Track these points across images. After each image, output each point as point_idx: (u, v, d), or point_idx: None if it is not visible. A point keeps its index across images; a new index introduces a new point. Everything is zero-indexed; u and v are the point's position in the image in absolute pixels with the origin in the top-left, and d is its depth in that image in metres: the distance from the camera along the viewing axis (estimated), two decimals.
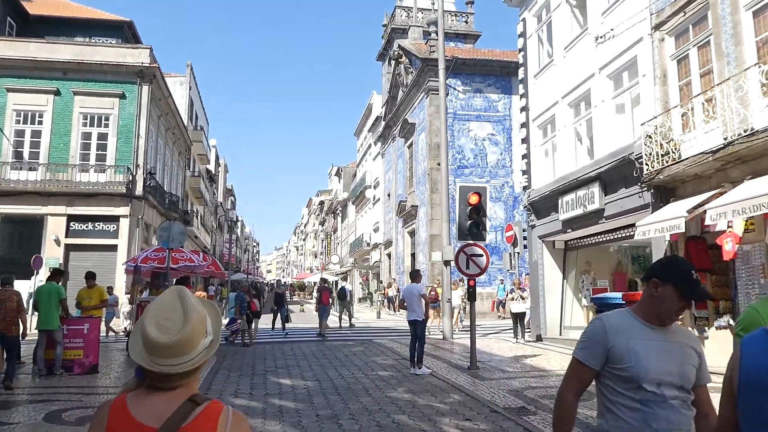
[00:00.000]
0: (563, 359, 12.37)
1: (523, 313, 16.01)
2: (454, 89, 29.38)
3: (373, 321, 27.46)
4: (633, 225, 12.88)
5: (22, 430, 6.77)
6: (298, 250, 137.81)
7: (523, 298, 15.94)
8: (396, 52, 33.83)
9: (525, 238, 18.77)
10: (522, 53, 18.07)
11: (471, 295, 11.02)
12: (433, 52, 29.03)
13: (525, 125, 17.80)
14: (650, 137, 11.14)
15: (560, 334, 16.45)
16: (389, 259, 39.30)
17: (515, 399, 8.25)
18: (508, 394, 8.62)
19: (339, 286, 27.89)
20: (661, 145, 10.81)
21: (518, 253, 18.33)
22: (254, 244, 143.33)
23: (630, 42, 12.64)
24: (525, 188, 17.73)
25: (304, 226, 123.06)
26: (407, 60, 33.08)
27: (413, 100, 32.48)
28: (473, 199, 10.96)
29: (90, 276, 11.50)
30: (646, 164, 11.18)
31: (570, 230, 15.16)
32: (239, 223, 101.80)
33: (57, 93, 25.50)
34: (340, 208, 65.53)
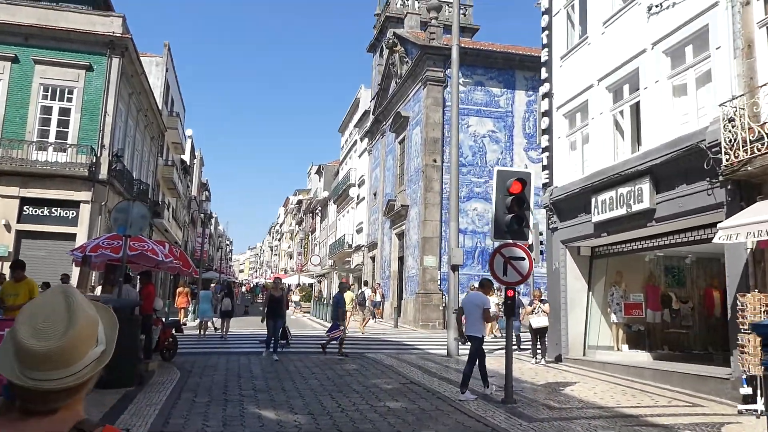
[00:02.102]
0: (609, 389, 10.17)
1: (545, 329, 13.76)
2: None
3: (358, 329, 25.01)
4: (696, 228, 10.80)
5: None
6: (272, 250, 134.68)
7: (545, 312, 13.70)
8: (390, 40, 31.56)
9: (542, 243, 16.59)
10: (546, 33, 15.89)
11: (508, 309, 8.71)
12: (433, 39, 26.91)
13: (547, 114, 15.62)
14: (732, 121, 8.98)
15: (584, 355, 14.26)
16: (373, 262, 36.93)
17: None
18: None
19: (359, 290, 25.04)
20: (750, 128, 8.64)
21: (534, 259, 16.05)
22: (227, 242, 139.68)
23: (698, 9, 10.49)
24: (545, 186, 15.52)
25: (280, 226, 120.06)
26: (403, 49, 30.81)
27: (408, 91, 30.20)
28: (515, 187, 8.68)
29: (17, 266, 8.97)
30: (726, 154, 9.01)
31: (605, 234, 12.97)
32: (213, 220, 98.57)
33: (15, 60, 22.75)
34: (320, 208, 62.99)
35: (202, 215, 37.98)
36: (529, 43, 31.62)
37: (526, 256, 8.71)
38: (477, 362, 9.09)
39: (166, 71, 37.66)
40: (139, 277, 12.04)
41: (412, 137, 29.40)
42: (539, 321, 13.65)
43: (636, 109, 12.43)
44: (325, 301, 39.40)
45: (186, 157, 53.15)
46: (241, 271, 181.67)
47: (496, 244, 9.07)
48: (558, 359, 14.20)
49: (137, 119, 29.34)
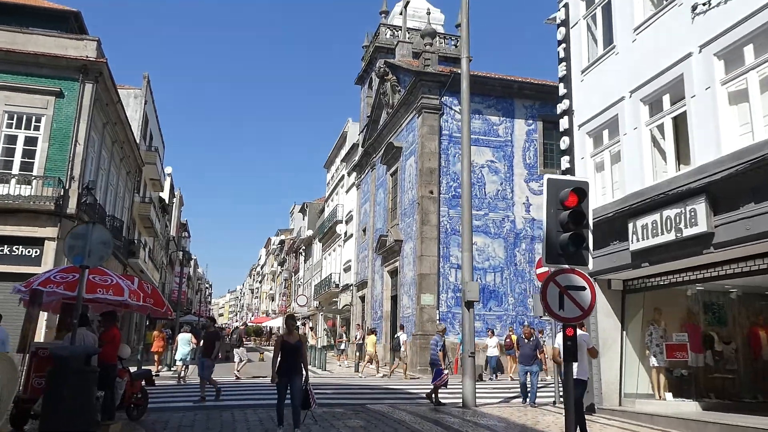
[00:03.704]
0: None
1: None
2: (450, 108, 25.82)
3: (350, 376, 22.91)
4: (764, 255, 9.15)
5: None
6: (253, 293, 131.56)
7: None
8: (382, 69, 30.28)
9: None
10: (563, 46, 14.51)
11: (568, 352, 6.90)
12: (428, 66, 25.65)
13: (567, 133, 14.12)
14: None
15: (620, 404, 12.42)
16: (362, 302, 34.88)
17: None
18: None
19: (396, 335, 23.52)
20: None
21: None
22: (207, 285, 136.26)
23: (759, 3, 9.08)
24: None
25: (261, 267, 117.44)
26: (395, 77, 29.53)
27: (400, 121, 28.78)
28: (571, 199, 6.99)
29: None
30: None
31: (646, 264, 11.29)
32: (192, 262, 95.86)
33: None
34: (304, 247, 60.96)
35: (181, 253, 35.71)
36: (524, 73, 30.72)
37: (587, 285, 6.96)
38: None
39: (145, 104, 35.95)
40: (100, 319, 10.05)
41: (406, 168, 27.84)
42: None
43: (681, 120, 10.94)
44: (309, 345, 37.12)
45: (165, 195, 51.13)
46: (221, 314, 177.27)
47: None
48: (590, 409, 12.30)
49: (112, 151, 27.47)
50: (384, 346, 28.72)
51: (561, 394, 13.58)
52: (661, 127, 11.43)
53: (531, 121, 26.35)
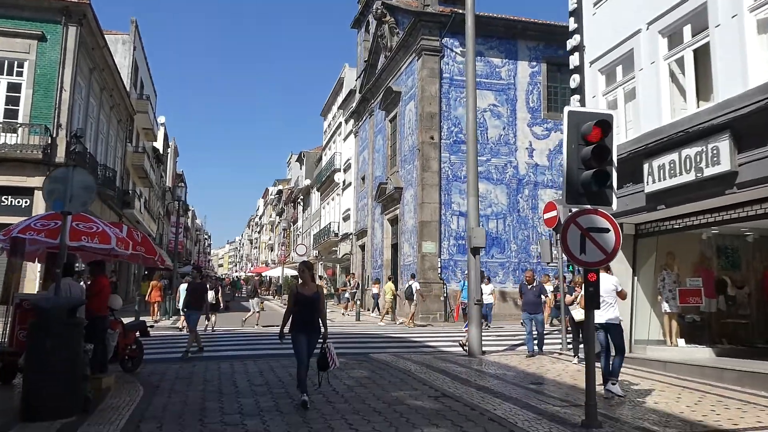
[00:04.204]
0: (685, 396, 7.99)
1: None
2: (451, 50, 24.84)
3: (352, 325, 22.70)
4: None
5: None
6: (252, 243, 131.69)
7: None
8: (379, 11, 29.06)
9: None
10: None
11: (590, 299, 6.42)
12: (428, 6, 24.54)
13: (578, 71, 13.28)
14: None
15: (630, 351, 12.00)
16: (362, 251, 34.56)
17: None
18: None
19: (406, 285, 22.87)
20: None
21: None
22: (206, 236, 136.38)
23: None
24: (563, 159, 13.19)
25: (260, 218, 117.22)
26: (393, 19, 28.37)
27: (399, 64, 27.77)
28: (595, 133, 6.37)
29: None
30: None
31: (662, 206, 10.73)
32: (190, 213, 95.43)
33: None
34: (302, 197, 60.43)
35: (177, 202, 35.13)
36: (527, 14, 29.39)
37: (611, 227, 6.42)
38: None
39: (134, 50, 34.77)
40: (89, 268, 9.54)
41: (405, 114, 27.01)
42: (582, 313, 11.37)
43: (703, 53, 10.21)
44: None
45: (159, 145, 50.19)
46: (221, 265, 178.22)
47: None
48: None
49: (101, 99, 26.57)
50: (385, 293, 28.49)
51: (570, 341, 13.30)
52: (680, 61, 10.69)
53: (535, 63, 25.41)
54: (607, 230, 6.43)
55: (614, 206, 6.60)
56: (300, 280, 7.80)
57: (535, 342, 12.97)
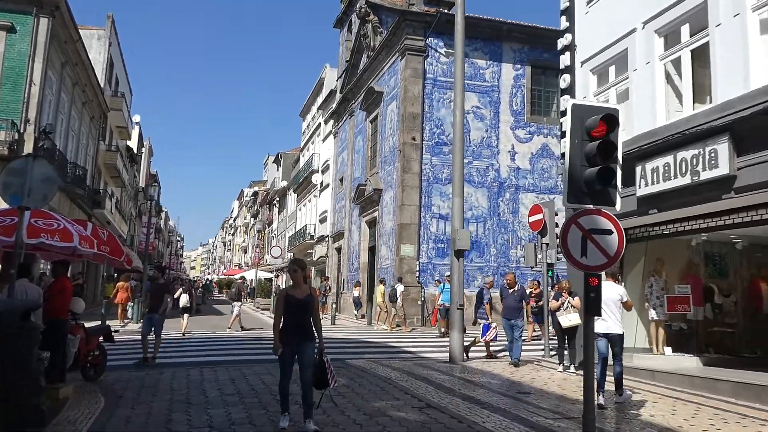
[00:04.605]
0: (678, 407, 7.66)
1: (576, 329, 11.13)
2: (436, 51, 24.44)
3: (326, 329, 22.01)
4: None
5: None
6: (225, 245, 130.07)
7: (575, 307, 11.06)
8: (363, 9, 28.56)
9: (557, 225, 14.00)
10: None
11: (591, 305, 5.97)
12: (412, 5, 24.12)
13: (568, 71, 12.95)
14: None
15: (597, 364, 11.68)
16: (339, 253, 33.98)
17: None
18: None
19: (393, 286, 22.05)
20: None
21: (547, 244, 13.47)
22: (178, 238, 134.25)
23: None
24: (564, 155, 12.81)
25: (234, 220, 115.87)
26: (376, 18, 27.88)
27: (382, 64, 27.30)
28: (600, 128, 5.94)
29: None
30: None
31: (654, 211, 10.42)
32: (163, 214, 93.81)
33: None
34: (278, 198, 59.61)
35: (149, 202, 34.16)
36: (513, 17, 28.99)
37: (615, 229, 5.99)
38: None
39: (110, 45, 33.78)
40: (50, 268, 8.85)
41: (387, 114, 26.54)
42: (570, 319, 11.00)
43: (696, 55, 9.91)
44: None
45: (133, 144, 49.06)
46: (193, 268, 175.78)
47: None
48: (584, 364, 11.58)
49: (73, 94, 25.65)
50: (361, 298, 27.96)
51: (553, 347, 12.90)
52: (677, 62, 10.39)
53: (519, 66, 25.12)
54: (609, 232, 5.99)
55: (618, 207, 6.17)
56: (291, 282, 6.78)
57: (510, 349, 11.96)
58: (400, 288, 21.44)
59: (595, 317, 6.43)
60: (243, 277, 32.02)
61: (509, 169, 24.52)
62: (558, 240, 6.08)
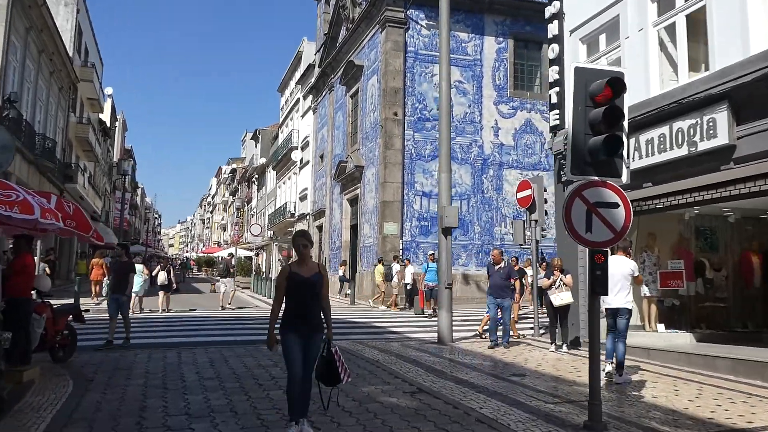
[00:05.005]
0: (678, 386, 7.38)
1: (568, 308, 10.84)
2: (417, 23, 23.81)
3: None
4: None
5: None
6: (204, 223, 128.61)
7: (567, 285, 10.75)
8: None
9: (546, 201, 13.69)
10: None
11: (597, 283, 5.61)
12: None
13: (557, 40, 12.50)
14: None
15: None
16: (320, 232, 33.47)
17: None
18: None
19: (388, 265, 21.39)
20: None
21: (536, 221, 13.13)
22: (156, 215, 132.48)
23: None
24: (554, 129, 12.48)
25: (212, 198, 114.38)
26: None
27: (361, 37, 26.60)
28: (605, 92, 5.53)
29: None
30: None
31: (649, 184, 10.09)
32: (139, 190, 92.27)
33: None
34: (257, 176, 58.73)
35: (123, 177, 33.22)
36: None
37: (621, 202, 5.61)
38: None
39: (77, 12, 32.43)
40: (11, 243, 8.26)
41: (367, 89, 25.91)
42: (562, 297, 10.69)
43: (696, 20, 9.52)
44: (264, 276, 35.78)
45: (106, 118, 47.71)
46: (171, 245, 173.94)
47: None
48: (575, 343, 11.36)
49: (39, 62, 24.58)
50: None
51: (542, 325, 12.66)
52: (671, 28, 10.00)
53: (502, 39, 24.61)
54: (616, 205, 5.62)
55: (624, 178, 5.79)
56: (294, 256, 5.44)
57: (500, 332, 11.29)
58: (396, 267, 21.02)
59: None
60: (231, 254, 31.44)
61: (493, 145, 24.13)
62: (562, 215, 5.64)
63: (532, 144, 24.53)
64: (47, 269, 19.84)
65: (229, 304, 20.61)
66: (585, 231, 5.56)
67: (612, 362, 8.15)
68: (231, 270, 22.21)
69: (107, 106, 48.35)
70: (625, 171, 5.79)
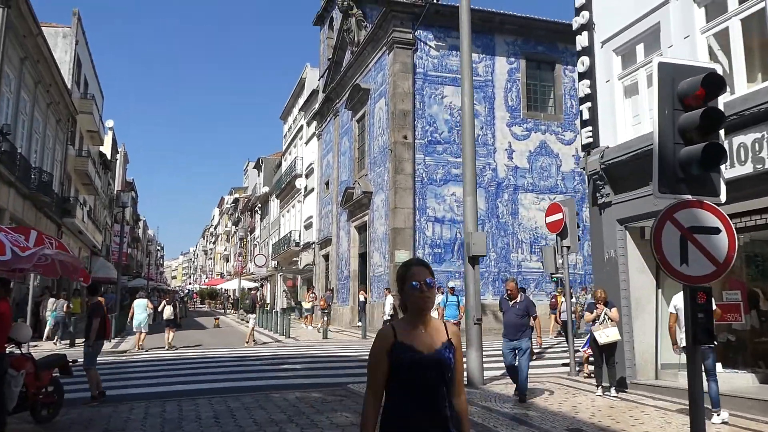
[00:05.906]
0: None
1: (615, 345, 9.68)
2: (425, 44, 23.03)
3: (319, 343, 20.48)
4: None
5: None
6: (207, 254, 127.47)
7: (613, 320, 9.61)
8: (345, 2, 27.07)
9: (578, 226, 12.63)
10: None
11: (700, 330, 4.49)
12: None
13: (587, 52, 11.58)
14: None
15: (656, 377, 10.34)
16: (326, 261, 32.35)
17: None
18: None
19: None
20: None
21: (568, 247, 12.02)
22: (158, 248, 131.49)
23: None
24: (587, 147, 11.46)
25: (215, 228, 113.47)
26: (360, 12, 26.44)
27: (367, 60, 25.83)
28: (700, 93, 4.50)
29: None
30: None
31: None
32: (141, 223, 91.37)
33: None
34: (260, 205, 57.77)
35: (123, 210, 32.25)
36: (506, 7, 27.38)
37: (723, 226, 4.55)
38: None
39: (76, 44, 31.82)
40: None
41: (375, 112, 25.05)
42: (608, 334, 9.52)
43: (756, 22, 8.56)
44: (269, 308, 34.60)
45: (106, 150, 46.97)
46: (174, 277, 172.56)
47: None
48: (622, 384, 10.18)
49: (35, 94, 23.78)
50: (351, 308, 26.42)
51: (579, 364, 11.50)
52: (722, 34, 9.03)
53: (513, 59, 23.81)
54: (717, 230, 4.55)
55: (723, 197, 4.74)
56: (397, 305, 3.44)
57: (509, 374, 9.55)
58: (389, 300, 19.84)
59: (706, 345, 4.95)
60: (256, 288, 30.63)
61: (507, 168, 23.16)
62: (651, 242, 4.55)
63: (548, 166, 23.56)
64: (65, 307, 20.37)
65: (254, 341, 20.11)
66: (680, 263, 4.47)
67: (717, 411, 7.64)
68: (257, 305, 21.81)
69: (108, 139, 47.65)
70: (723, 188, 4.73)
